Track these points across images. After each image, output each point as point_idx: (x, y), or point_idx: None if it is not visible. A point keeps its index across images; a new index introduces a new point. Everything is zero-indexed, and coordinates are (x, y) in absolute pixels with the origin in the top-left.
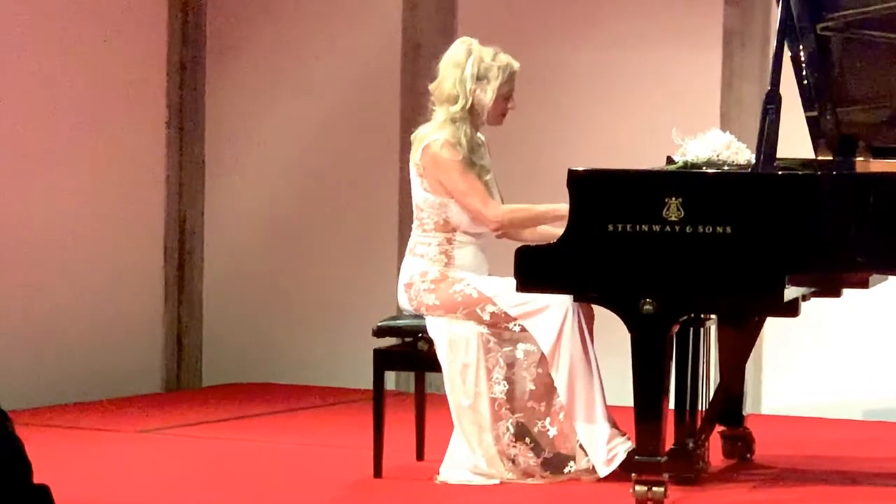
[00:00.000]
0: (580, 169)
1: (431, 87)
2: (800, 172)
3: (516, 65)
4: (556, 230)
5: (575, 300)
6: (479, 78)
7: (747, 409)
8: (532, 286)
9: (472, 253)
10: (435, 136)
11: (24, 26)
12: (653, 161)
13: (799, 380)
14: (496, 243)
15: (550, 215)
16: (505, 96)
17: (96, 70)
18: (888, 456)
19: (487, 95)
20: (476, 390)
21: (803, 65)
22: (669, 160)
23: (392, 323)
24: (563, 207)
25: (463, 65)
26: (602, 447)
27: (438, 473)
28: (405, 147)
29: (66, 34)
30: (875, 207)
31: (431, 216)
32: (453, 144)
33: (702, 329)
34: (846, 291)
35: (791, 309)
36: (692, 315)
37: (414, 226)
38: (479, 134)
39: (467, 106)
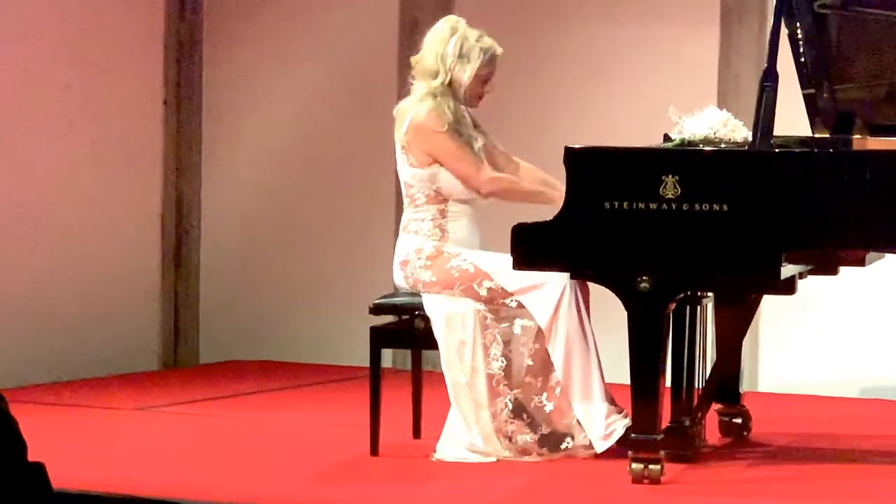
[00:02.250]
0: (577, 146)
1: (413, 59)
2: (797, 150)
3: (499, 50)
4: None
5: (572, 278)
6: (461, 56)
7: (744, 386)
8: (528, 264)
9: (466, 225)
10: (418, 107)
11: (20, 9)
12: (650, 139)
13: (795, 358)
14: (489, 216)
15: (539, 199)
16: (483, 79)
17: (94, 47)
18: (885, 434)
19: (465, 74)
20: (473, 367)
21: (800, 42)
22: (666, 138)
23: (389, 300)
24: (557, 195)
25: (446, 41)
26: (600, 423)
27: (435, 451)
28: None
29: (63, 11)
30: (872, 185)
31: (422, 190)
32: (438, 113)
33: (698, 307)
34: (843, 269)
35: (788, 287)
36: (689, 293)
37: (405, 204)
38: (462, 107)
39: (446, 81)
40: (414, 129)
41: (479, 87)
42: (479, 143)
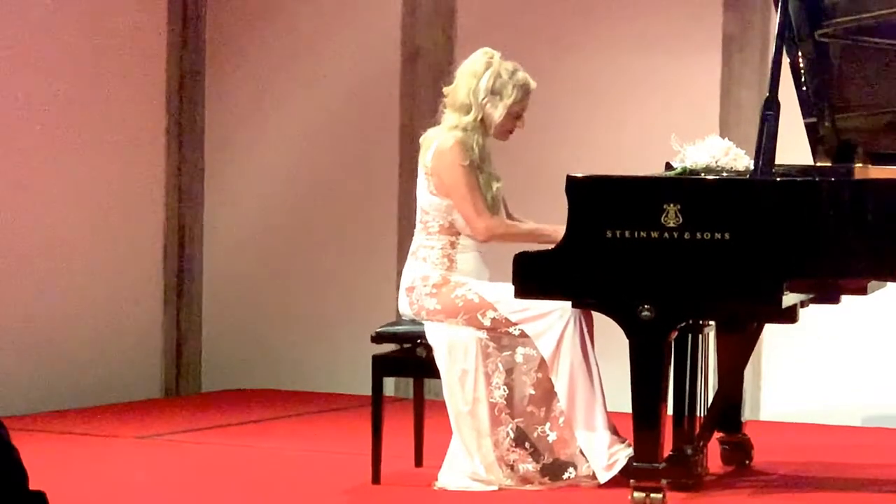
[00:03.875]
0: (579, 175)
1: (446, 90)
2: (798, 179)
3: (533, 84)
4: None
5: (573, 307)
6: (493, 92)
7: (746, 415)
8: (530, 293)
9: (474, 259)
10: (446, 136)
11: (25, 37)
12: (651, 167)
13: (797, 386)
14: (497, 249)
15: (539, 238)
16: (515, 115)
17: (97, 78)
18: (887, 462)
19: (498, 111)
20: (475, 396)
21: (802, 71)
22: (668, 166)
23: (391, 329)
24: (552, 230)
25: (479, 76)
26: (603, 453)
27: (437, 480)
28: (404, 152)
29: (66, 44)
30: (873, 214)
31: (437, 219)
32: (464, 147)
33: (700, 335)
34: (845, 298)
35: (790, 315)
36: (691, 321)
37: (417, 229)
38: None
39: (478, 118)
40: (438, 156)
41: (511, 123)
42: (498, 184)
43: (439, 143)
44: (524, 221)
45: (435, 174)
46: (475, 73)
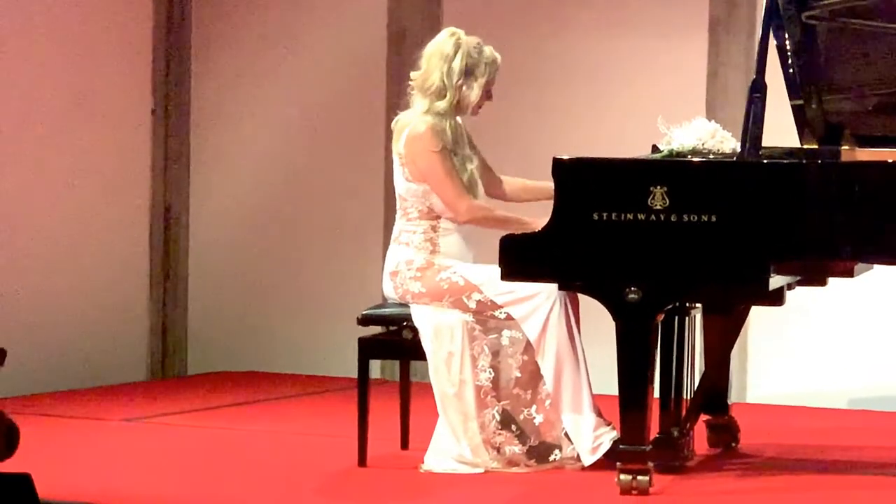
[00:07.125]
0: (565, 157)
1: (414, 75)
2: (785, 161)
3: (499, 57)
4: (548, 185)
5: (560, 289)
6: (467, 73)
7: (732, 397)
8: (516, 275)
9: (457, 241)
10: (417, 122)
11: (10, 17)
12: (638, 149)
13: (784, 369)
14: (482, 231)
15: (513, 227)
16: (487, 90)
17: (82, 60)
18: (872, 445)
19: (474, 92)
20: (461, 378)
21: (789, 53)
22: (655, 149)
23: (377, 311)
24: (526, 222)
25: (451, 59)
26: (588, 435)
27: (423, 462)
28: (391, 135)
29: (52, 24)
30: (860, 196)
31: (415, 205)
32: (436, 132)
33: (687, 318)
34: (831, 280)
35: (776, 297)
36: (677, 303)
37: (398, 215)
38: (459, 120)
39: (454, 101)
40: (410, 143)
41: (483, 99)
42: (473, 164)
43: (411, 129)
44: (508, 182)
45: (409, 161)
46: (445, 56)
